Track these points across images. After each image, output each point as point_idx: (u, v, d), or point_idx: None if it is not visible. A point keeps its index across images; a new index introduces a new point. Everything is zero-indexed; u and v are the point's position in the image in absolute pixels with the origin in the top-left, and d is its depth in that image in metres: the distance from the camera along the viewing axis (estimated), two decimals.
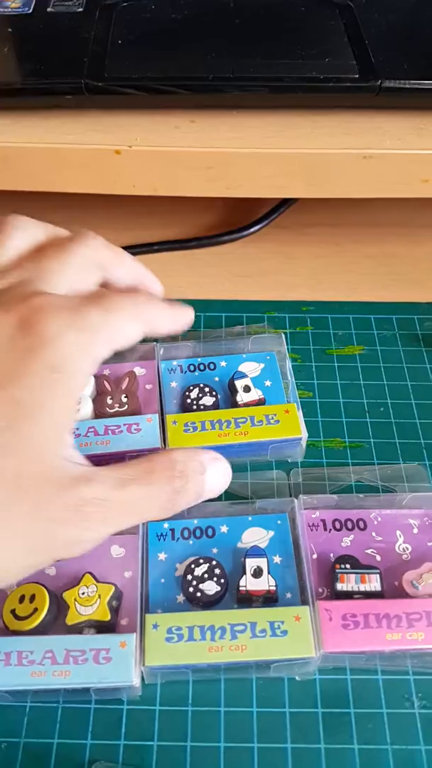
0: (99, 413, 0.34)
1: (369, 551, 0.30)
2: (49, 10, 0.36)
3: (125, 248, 0.41)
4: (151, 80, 0.32)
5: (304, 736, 0.26)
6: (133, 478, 0.22)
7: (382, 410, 0.35)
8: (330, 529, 0.31)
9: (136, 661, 0.26)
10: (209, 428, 0.33)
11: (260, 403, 0.34)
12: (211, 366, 0.36)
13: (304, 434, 0.32)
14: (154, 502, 0.22)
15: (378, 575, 0.29)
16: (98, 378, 0.35)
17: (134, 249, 0.42)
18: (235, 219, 0.44)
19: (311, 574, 0.29)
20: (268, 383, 0.35)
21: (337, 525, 0.31)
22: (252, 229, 0.43)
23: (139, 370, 0.36)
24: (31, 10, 0.36)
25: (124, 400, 0.34)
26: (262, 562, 0.29)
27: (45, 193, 0.34)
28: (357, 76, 0.32)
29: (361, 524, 0.31)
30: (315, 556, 0.30)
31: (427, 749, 0.25)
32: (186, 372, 0.36)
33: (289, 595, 0.29)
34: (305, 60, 0.33)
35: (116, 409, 0.33)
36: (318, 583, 0.29)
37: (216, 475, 0.24)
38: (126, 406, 0.34)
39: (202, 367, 0.36)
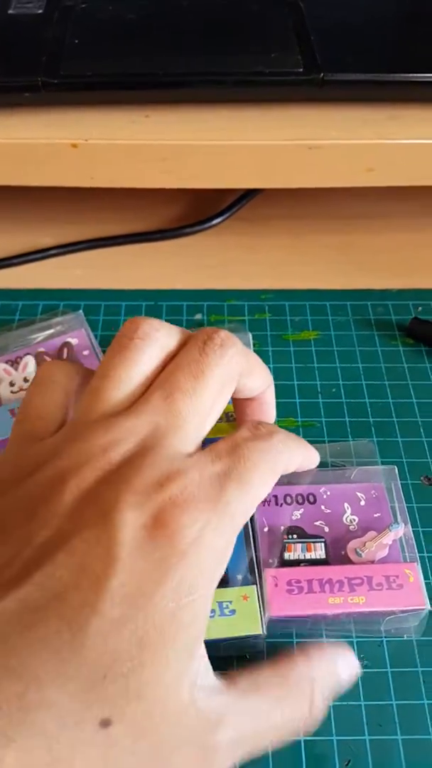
0: None
1: (318, 523, 0.31)
2: (10, 12, 0.37)
3: (90, 242, 0.43)
4: (104, 77, 0.33)
5: None
6: (267, 713, 0.20)
7: (333, 391, 0.36)
8: (281, 504, 0.32)
9: None
10: None
11: None
12: None
13: None
14: (281, 733, 0.21)
15: (323, 544, 0.30)
16: (38, 355, 0.36)
17: (99, 242, 0.43)
18: (198, 212, 0.45)
19: (261, 545, 0.30)
20: None
21: (288, 500, 0.32)
22: (214, 221, 0.44)
23: (72, 340, 0.37)
24: None
25: None
26: None
27: (8, 189, 0.35)
28: (301, 69, 0.33)
29: (311, 498, 0.32)
30: (266, 528, 0.31)
31: (366, 704, 0.27)
32: None
33: (239, 577, 0.29)
34: (253, 55, 0.34)
35: None
36: (268, 554, 0.30)
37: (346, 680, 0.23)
38: None
39: None
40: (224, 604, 0.28)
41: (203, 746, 0.19)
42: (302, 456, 0.26)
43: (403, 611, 0.28)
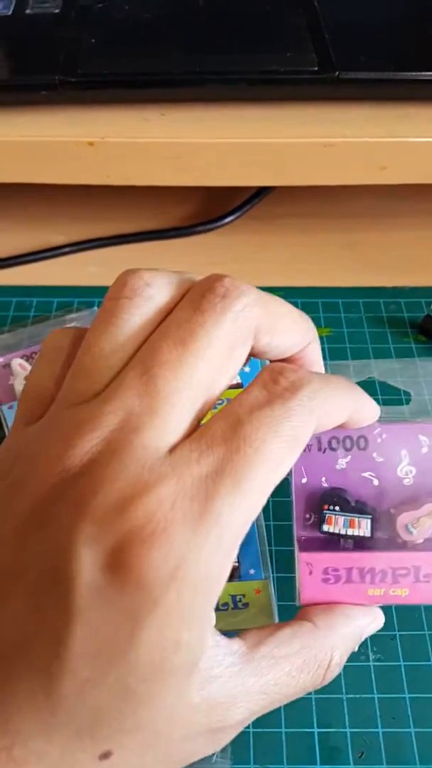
0: None
1: (367, 474, 0.26)
2: (27, 11, 0.38)
3: (103, 240, 0.43)
4: (121, 76, 0.34)
5: None
6: (281, 686, 0.19)
7: None
8: (325, 449, 0.26)
9: None
10: None
11: (238, 386, 0.35)
12: None
13: None
14: (290, 699, 0.19)
15: (369, 520, 0.25)
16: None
17: (112, 240, 0.43)
18: (210, 210, 0.46)
19: (297, 503, 0.26)
20: (246, 369, 0.35)
21: (334, 444, 0.26)
22: (227, 220, 0.45)
23: None
24: (10, 12, 0.37)
25: None
26: None
27: (23, 186, 0.36)
28: (316, 68, 0.33)
29: (362, 443, 0.26)
30: (304, 480, 0.26)
31: (380, 697, 0.27)
32: None
33: (252, 571, 0.30)
34: (268, 54, 0.34)
35: None
36: (306, 509, 0.26)
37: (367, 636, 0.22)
38: None
39: None
40: (237, 598, 0.28)
41: (214, 730, 0.18)
42: (349, 409, 0.20)
43: None
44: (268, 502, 0.32)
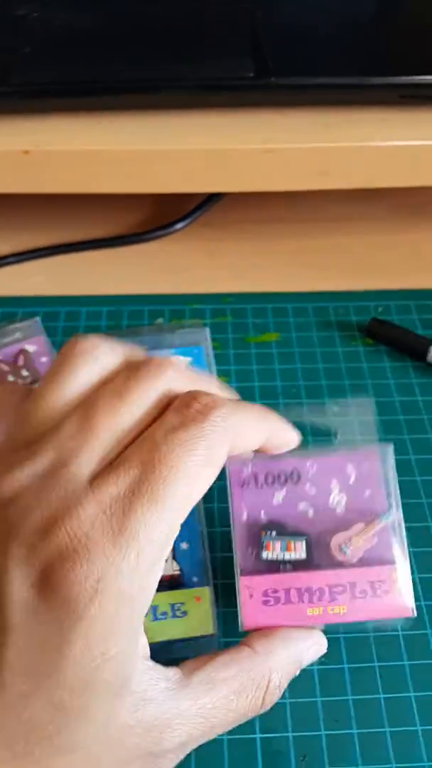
0: None
1: (302, 506, 0.27)
2: None
3: (50, 248, 0.43)
4: (56, 85, 0.34)
5: None
6: (219, 710, 0.19)
7: (294, 392, 0.37)
8: (262, 485, 0.27)
9: None
10: None
11: None
12: None
13: None
14: (232, 724, 0.20)
15: (303, 542, 0.27)
16: None
17: (59, 249, 0.43)
18: (161, 217, 0.45)
19: (239, 539, 0.27)
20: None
21: (270, 479, 0.28)
22: (177, 226, 0.45)
23: (29, 347, 0.36)
24: None
25: (26, 374, 0.35)
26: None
27: None
28: (252, 74, 0.34)
29: (295, 476, 0.27)
30: (245, 516, 0.27)
31: (323, 700, 0.27)
32: None
33: (195, 579, 0.29)
34: (206, 61, 0.34)
35: (20, 383, 0.35)
36: (245, 551, 0.27)
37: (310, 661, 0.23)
38: (29, 378, 0.35)
39: None
40: (176, 606, 0.28)
41: (151, 754, 0.18)
42: (264, 432, 0.22)
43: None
44: (214, 508, 0.32)
